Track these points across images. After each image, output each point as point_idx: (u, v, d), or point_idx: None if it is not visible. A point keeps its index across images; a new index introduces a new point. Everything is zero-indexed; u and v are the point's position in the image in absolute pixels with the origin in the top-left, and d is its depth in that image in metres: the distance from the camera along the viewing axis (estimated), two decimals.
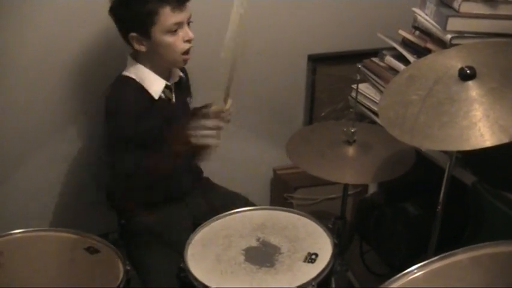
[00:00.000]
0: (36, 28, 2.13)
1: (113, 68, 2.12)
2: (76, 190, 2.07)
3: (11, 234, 1.90)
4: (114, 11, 1.93)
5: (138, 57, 2.00)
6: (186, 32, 1.93)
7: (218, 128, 1.89)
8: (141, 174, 1.93)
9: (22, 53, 2.14)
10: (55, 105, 2.26)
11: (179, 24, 1.91)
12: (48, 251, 1.90)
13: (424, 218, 2.30)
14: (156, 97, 1.99)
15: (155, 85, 1.99)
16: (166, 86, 2.02)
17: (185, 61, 2.00)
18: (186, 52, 1.96)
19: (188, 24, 1.95)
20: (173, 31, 1.91)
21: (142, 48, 1.94)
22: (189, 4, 1.93)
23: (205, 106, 2.01)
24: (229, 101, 1.94)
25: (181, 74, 2.11)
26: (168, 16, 1.88)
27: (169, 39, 1.91)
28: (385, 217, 2.50)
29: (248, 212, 2.00)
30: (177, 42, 1.93)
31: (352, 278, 2.42)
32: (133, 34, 1.92)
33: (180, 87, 2.12)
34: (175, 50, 1.94)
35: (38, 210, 2.39)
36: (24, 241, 1.90)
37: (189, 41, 1.94)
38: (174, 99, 2.07)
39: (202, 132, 1.85)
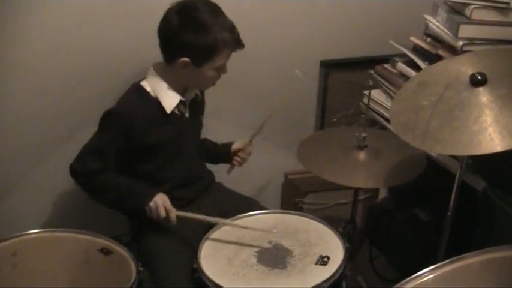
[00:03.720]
0: (48, 31, 2.15)
1: (127, 76, 2.16)
2: None
3: (26, 234, 1.91)
4: (177, 32, 1.91)
5: (160, 71, 2.02)
6: (225, 69, 2.01)
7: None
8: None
9: (34, 57, 2.17)
10: (75, 105, 2.30)
11: (225, 63, 1.99)
12: (62, 252, 1.91)
13: (434, 223, 2.31)
14: (169, 111, 2.00)
15: (170, 100, 2.01)
16: (181, 102, 2.05)
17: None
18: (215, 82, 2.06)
19: None
20: (220, 68, 1.99)
21: (184, 72, 1.96)
22: None
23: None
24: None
25: (197, 91, 2.14)
26: (225, 57, 1.96)
27: (213, 73, 1.99)
28: (396, 223, 2.51)
29: (260, 216, 2.02)
30: (216, 76, 2.02)
31: (362, 283, 2.42)
32: (186, 59, 1.93)
33: (195, 104, 2.15)
34: (211, 81, 2.04)
35: (52, 211, 2.43)
36: (38, 241, 1.91)
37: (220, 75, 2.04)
38: (187, 115, 2.10)
39: (157, 213, 1.95)
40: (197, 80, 2.03)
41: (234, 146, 2.29)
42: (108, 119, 1.98)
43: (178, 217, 1.96)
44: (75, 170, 2.03)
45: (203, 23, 1.89)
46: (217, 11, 1.95)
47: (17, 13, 2.07)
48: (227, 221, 1.96)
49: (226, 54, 1.95)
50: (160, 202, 1.95)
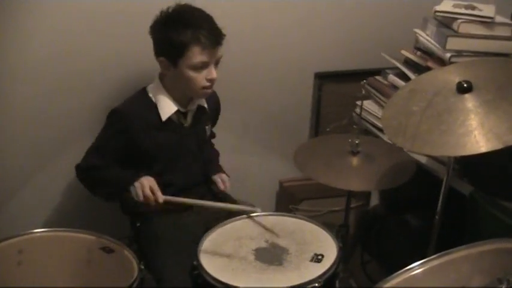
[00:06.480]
0: (56, 35, 2.22)
1: (132, 79, 2.24)
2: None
3: (31, 233, 1.96)
4: (152, 31, 2.01)
5: (163, 78, 2.09)
6: (210, 72, 1.99)
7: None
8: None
9: (42, 61, 2.24)
10: (80, 108, 2.37)
11: (205, 63, 1.97)
12: (66, 250, 1.97)
13: (425, 228, 2.35)
14: (164, 119, 2.06)
15: (166, 108, 2.07)
16: (179, 111, 2.11)
17: (204, 94, 2.09)
18: (205, 88, 2.03)
19: (217, 63, 2.03)
20: (198, 68, 1.98)
21: (167, 73, 2.04)
22: (220, 46, 1.99)
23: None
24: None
25: (204, 104, 2.19)
26: (197, 54, 1.94)
27: (191, 74, 1.98)
28: (387, 228, 2.58)
29: (258, 218, 2.08)
30: (199, 78, 1.99)
31: (354, 285, 2.48)
32: (162, 58, 2.00)
33: (200, 114, 2.19)
34: (195, 84, 2.00)
35: (56, 212, 2.48)
36: (43, 240, 1.96)
37: (211, 80, 2.02)
38: (187, 124, 2.15)
39: (143, 192, 1.96)
40: (182, 83, 2.02)
41: (214, 177, 2.28)
42: (110, 117, 2.06)
43: (166, 201, 1.97)
44: (78, 167, 2.12)
45: (176, 20, 1.95)
46: (198, 12, 1.98)
47: (26, 16, 2.15)
48: (210, 202, 2.02)
49: (198, 51, 1.94)
50: (146, 182, 1.96)
